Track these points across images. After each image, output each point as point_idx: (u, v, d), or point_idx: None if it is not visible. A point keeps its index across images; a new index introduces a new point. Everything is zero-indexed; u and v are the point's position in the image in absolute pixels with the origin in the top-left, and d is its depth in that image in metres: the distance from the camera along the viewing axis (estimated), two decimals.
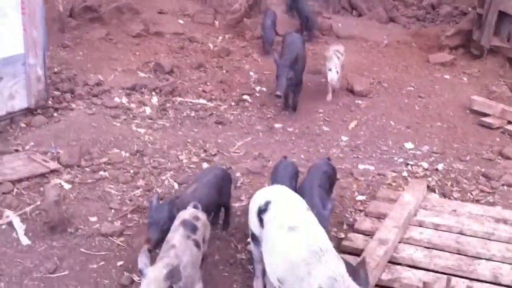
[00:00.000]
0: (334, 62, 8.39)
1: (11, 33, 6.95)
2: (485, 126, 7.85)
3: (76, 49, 9.68)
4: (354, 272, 3.77)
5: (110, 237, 5.26)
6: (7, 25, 6.87)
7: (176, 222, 4.35)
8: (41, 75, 7.36)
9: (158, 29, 10.88)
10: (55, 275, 4.75)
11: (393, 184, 6.40)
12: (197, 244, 4.20)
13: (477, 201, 6.13)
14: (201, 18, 11.79)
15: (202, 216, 4.50)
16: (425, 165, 6.81)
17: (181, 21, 11.67)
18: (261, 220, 4.29)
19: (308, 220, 4.12)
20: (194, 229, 4.26)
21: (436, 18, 12.94)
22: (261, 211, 4.29)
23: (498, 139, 7.56)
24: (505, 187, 6.41)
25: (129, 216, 5.60)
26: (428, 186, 6.25)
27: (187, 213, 4.41)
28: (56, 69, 8.68)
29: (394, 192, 6.13)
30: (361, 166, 6.75)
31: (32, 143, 6.66)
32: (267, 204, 4.28)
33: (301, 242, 3.86)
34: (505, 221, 5.62)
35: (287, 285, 3.85)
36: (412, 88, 9.09)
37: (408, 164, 6.86)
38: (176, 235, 4.13)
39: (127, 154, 6.62)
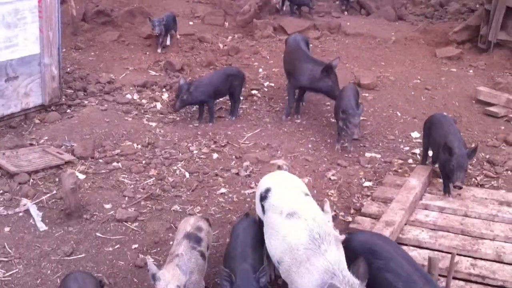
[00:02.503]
0: None
1: (28, 35, 7.22)
2: (490, 115, 7.96)
3: (89, 50, 9.94)
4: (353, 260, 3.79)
5: (124, 223, 5.44)
6: (24, 27, 7.12)
7: (179, 235, 4.28)
8: (56, 74, 7.63)
9: None
10: (72, 257, 4.94)
11: (399, 170, 6.51)
12: (202, 255, 4.21)
13: (482, 186, 6.23)
14: (211, 20, 12.03)
15: (205, 224, 4.48)
16: (431, 153, 6.90)
17: (191, 23, 11.91)
18: (263, 207, 4.41)
19: (307, 206, 4.21)
20: (198, 240, 4.25)
21: (444, 16, 13.09)
22: (262, 198, 4.41)
23: (503, 127, 7.65)
24: (509, 172, 6.50)
25: (142, 203, 5.77)
26: (433, 172, 6.35)
27: (189, 225, 4.35)
28: (69, 69, 8.97)
29: (400, 178, 6.24)
30: (367, 155, 6.88)
31: (46, 138, 6.89)
32: (267, 191, 4.40)
33: (300, 227, 3.97)
34: (508, 204, 5.72)
35: (284, 266, 3.99)
36: (418, 81, 9.20)
37: (414, 152, 6.97)
38: (181, 247, 4.10)
39: (139, 146, 6.82)
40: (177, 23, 10.74)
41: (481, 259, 4.90)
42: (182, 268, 3.82)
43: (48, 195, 5.79)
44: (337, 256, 3.80)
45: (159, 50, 10.16)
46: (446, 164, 5.66)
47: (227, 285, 3.76)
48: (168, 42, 10.46)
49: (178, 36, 10.76)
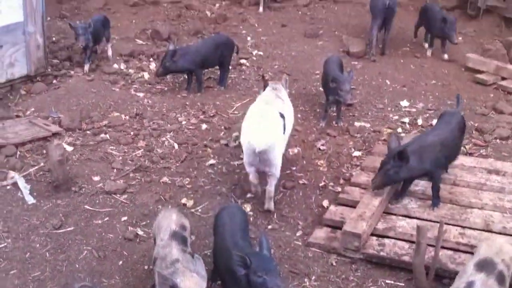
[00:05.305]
0: None
1: (11, 2, 7.04)
2: (479, 83, 7.97)
3: (74, 19, 9.72)
4: None
5: (113, 195, 5.40)
6: None
7: (164, 234, 3.96)
8: (41, 43, 7.48)
9: None
10: (61, 230, 4.91)
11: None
12: (192, 256, 3.91)
13: (470, 154, 6.26)
14: None
15: (186, 222, 4.24)
16: (420, 121, 6.92)
17: None
18: None
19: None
20: (185, 241, 4.01)
21: None
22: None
23: (491, 95, 7.67)
24: (497, 140, 6.53)
25: (131, 175, 5.74)
26: None
27: (173, 223, 4.05)
28: (54, 38, 8.81)
29: None
30: (357, 124, 6.86)
31: (33, 109, 6.80)
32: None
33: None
34: (497, 172, 5.75)
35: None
36: (408, 49, 9.17)
37: (403, 121, 6.97)
38: (173, 250, 3.81)
39: (127, 117, 6.75)
40: (109, 28, 8.30)
41: (469, 228, 4.95)
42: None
43: (36, 167, 5.74)
44: None
45: (86, 68, 7.78)
46: (442, 30, 8.33)
47: (241, 270, 3.58)
48: (109, 53, 8.29)
49: (110, 53, 8.33)
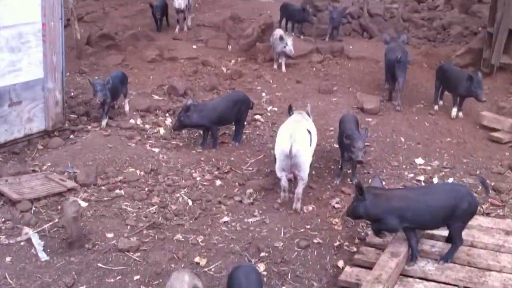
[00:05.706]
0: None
1: (32, 59, 7.24)
2: (494, 141, 7.94)
3: (93, 74, 9.98)
4: None
5: (126, 252, 5.37)
6: (28, 51, 7.16)
7: None
8: (59, 99, 7.64)
9: (172, 55, 11.20)
10: None
11: None
12: None
13: (487, 214, 6.18)
14: (214, 43, 12.10)
15: (199, 283, 4.21)
16: (435, 179, 6.87)
17: (194, 46, 11.97)
18: None
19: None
20: None
21: (446, 39, 13.11)
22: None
23: (507, 154, 7.62)
24: None
25: (145, 232, 5.72)
26: None
27: (185, 284, 4.03)
28: (72, 94, 9.00)
29: None
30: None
31: (49, 164, 6.87)
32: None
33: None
34: None
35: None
36: (422, 105, 9.20)
37: (419, 179, 6.92)
38: None
39: (142, 173, 6.78)
40: (127, 84, 8.51)
41: None
42: None
43: (50, 223, 5.75)
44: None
45: (103, 123, 7.96)
46: (469, 89, 8.29)
47: None
48: (126, 108, 8.50)
49: (127, 108, 8.56)
